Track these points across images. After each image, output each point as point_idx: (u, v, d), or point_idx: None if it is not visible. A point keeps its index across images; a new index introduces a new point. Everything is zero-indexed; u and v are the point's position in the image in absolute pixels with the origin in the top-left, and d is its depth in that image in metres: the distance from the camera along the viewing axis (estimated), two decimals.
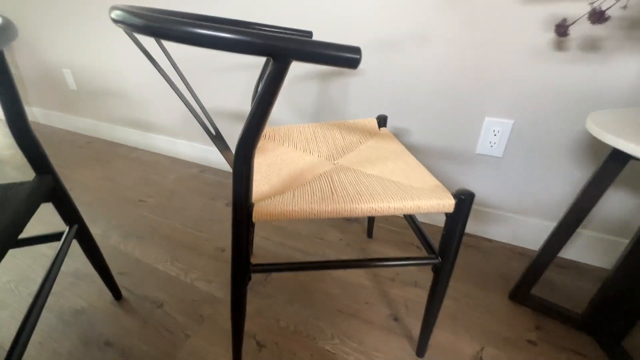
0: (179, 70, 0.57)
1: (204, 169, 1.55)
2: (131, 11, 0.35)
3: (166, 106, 1.55)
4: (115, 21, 0.37)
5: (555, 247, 0.72)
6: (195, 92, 1.37)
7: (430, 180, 0.59)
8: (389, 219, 1.18)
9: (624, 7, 0.65)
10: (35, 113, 2.14)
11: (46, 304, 0.82)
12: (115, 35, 1.48)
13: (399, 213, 0.51)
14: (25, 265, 0.94)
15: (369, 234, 1.10)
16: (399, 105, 1.03)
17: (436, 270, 0.58)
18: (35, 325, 0.50)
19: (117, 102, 1.72)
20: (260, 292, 0.87)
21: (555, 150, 0.88)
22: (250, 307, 0.82)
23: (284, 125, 0.86)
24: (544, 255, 0.75)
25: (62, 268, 0.94)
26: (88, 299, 0.84)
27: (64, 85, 1.86)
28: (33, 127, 1.96)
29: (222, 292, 0.86)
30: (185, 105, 0.53)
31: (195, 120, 1.50)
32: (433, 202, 0.50)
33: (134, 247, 1.03)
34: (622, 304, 0.69)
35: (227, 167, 1.54)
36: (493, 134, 0.93)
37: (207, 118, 0.58)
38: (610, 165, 0.61)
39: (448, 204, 0.51)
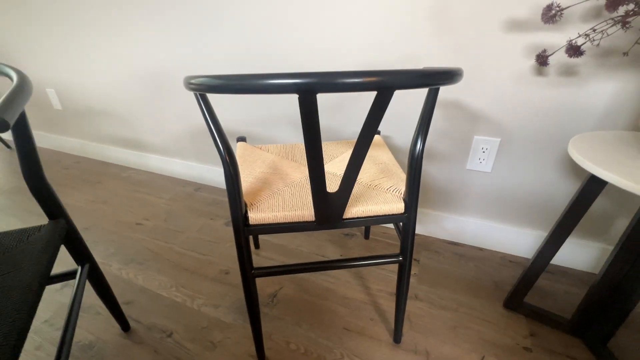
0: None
1: (199, 187, 1.56)
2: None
3: (157, 124, 1.55)
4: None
5: (546, 257, 0.78)
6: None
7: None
8: (386, 232, 1.22)
9: (597, 45, 0.71)
10: None
11: (51, 340, 0.82)
12: (99, 52, 1.47)
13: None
14: None
15: (368, 248, 1.14)
16: (394, 125, 1.07)
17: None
18: None
19: (105, 120, 1.70)
20: (268, 314, 0.89)
21: (540, 164, 0.95)
22: None
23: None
24: (536, 266, 0.81)
25: (65, 301, 0.93)
26: (95, 332, 0.84)
27: (47, 104, 1.82)
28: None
29: (230, 316, 0.88)
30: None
31: (188, 139, 1.50)
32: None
33: (136, 274, 1.03)
34: (607, 308, 0.76)
35: (222, 185, 1.55)
36: (482, 151, 0.99)
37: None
38: (591, 186, 0.67)
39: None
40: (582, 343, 0.80)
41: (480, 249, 1.13)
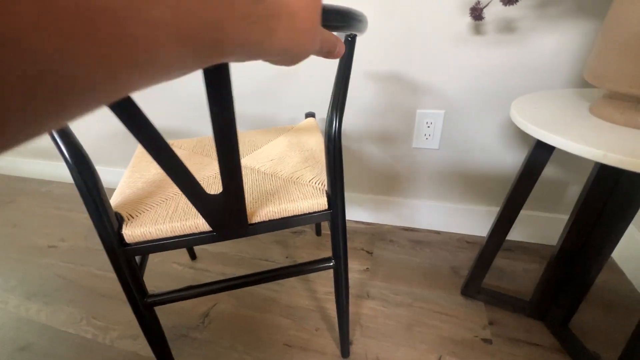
0: None
1: None
2: None
3: (73, 127, 1.33)
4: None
5: (500, 236, 0.70)
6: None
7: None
8: None
9: None
10: None
11: None
12: None
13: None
14: None
15: (318, 244, 1.02)
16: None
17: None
18: None
19: None
20: (198, 339, 0.75)
21: (487, 134, 0.87)
22: None
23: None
24: (490, 246, 0.72)
25: None
26: None
27: None
28: None
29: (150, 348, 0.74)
30: None
31: (112, 142, 1.31)
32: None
33: (40, 309, 0.85)
34: (566, 285, 0.69)
35: None
36: (427, 126, 0.89)
37: None
38: (538, 153, 0.58)
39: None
40: (544, 326, 0.74)
41: (437, 232, 1.05)
